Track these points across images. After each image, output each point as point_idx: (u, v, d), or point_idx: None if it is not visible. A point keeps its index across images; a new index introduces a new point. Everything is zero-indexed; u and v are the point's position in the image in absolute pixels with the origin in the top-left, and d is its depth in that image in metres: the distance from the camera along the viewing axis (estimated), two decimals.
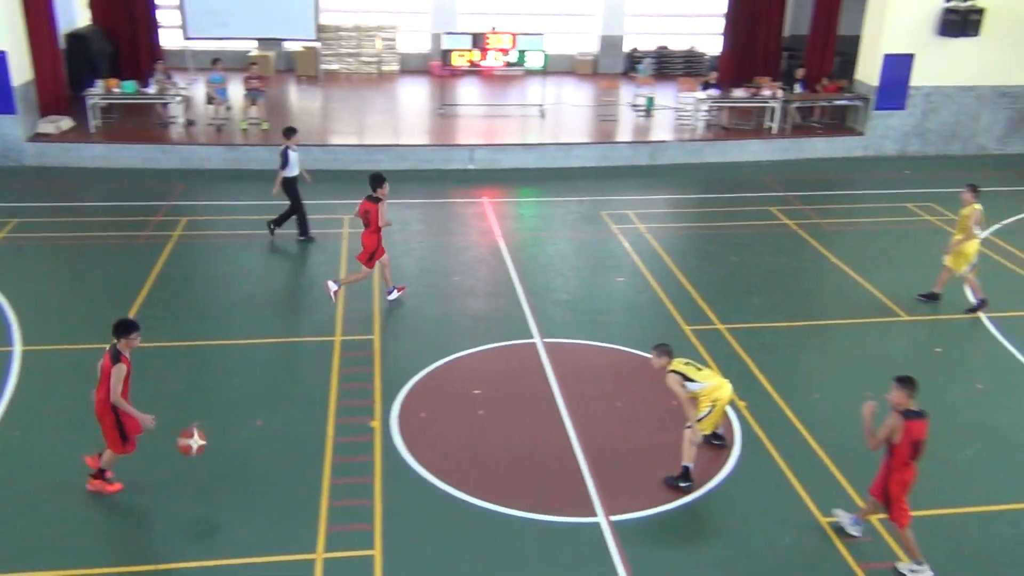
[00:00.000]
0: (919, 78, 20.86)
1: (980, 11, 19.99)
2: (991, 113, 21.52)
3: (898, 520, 8.02)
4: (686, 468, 9.07)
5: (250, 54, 25.17)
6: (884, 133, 21.29)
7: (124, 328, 8.28)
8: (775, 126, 21.16)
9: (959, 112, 21.39)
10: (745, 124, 21.63)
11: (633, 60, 27.19)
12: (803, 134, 21.25)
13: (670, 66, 27.44)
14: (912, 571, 8.11)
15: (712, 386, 8.92)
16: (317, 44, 25.27)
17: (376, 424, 10.05)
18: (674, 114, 22.24)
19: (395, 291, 13.03)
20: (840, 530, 8.52)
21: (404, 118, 22.69)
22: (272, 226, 15.17)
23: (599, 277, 14.30)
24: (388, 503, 8.79)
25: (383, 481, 9.11)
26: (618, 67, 27.56)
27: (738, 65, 24.49)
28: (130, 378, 8.34)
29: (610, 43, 27.44)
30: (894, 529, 8.19)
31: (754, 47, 24.66)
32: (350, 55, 26.43)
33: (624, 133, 21.07)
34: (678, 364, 8.98)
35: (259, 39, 25.40)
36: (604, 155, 19.97)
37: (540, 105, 22.49)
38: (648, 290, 13.72)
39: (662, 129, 21.34)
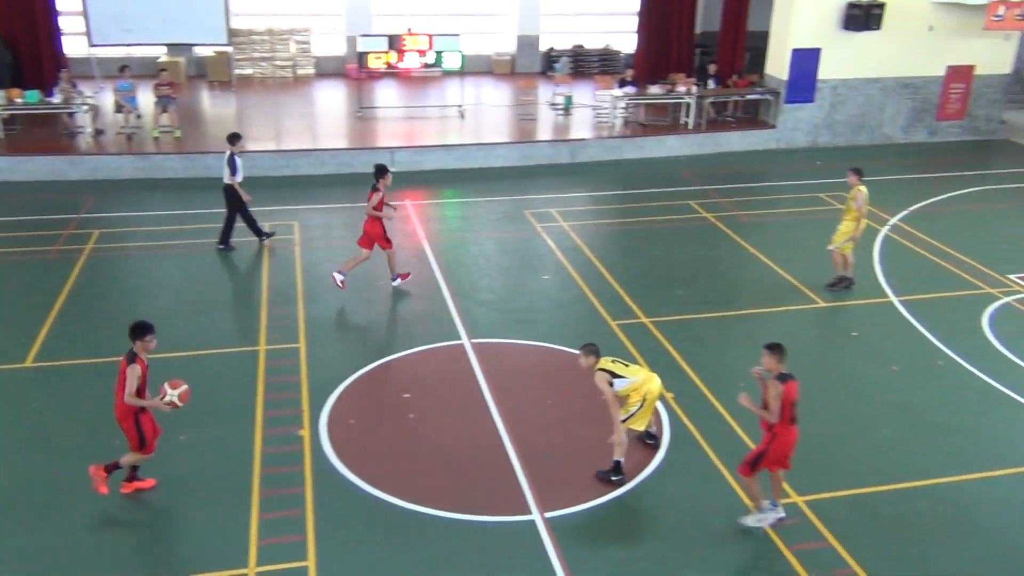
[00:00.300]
0: (826, 71, 21.50)
1: (881, 5, 20.70)
2: (895, 104, 22.30)
3: (749, 472, 8.35)
4: (617, 462, 9.16)
5: (159, 60, 24.50)
6: (795, 126, 21.88)
7: (140, 330, 8.41)
8: (690, 122, 21.55)
9: (865, 104, 22.11)
10: (661, 120, 21.97)
11: (550, 59, 27.37)
12: (718, 129, 21.70)
13: (586, 64, 27.70)
14: (759, 520, 8.44)
15: (640, 380, 9.03)
16: (229, 49, 24.75)
17: (305, 433, 9.89)
18: (592, 112, 22.47)
19: (398, 279, 13.51)
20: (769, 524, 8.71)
21: (322, 122, 22.40)
22: (261, 237, 15.09)
23: (525, 276, 14.35)
24: (320, 512, 8.67)
25: (314, 490, 8.97)
26: (535, 66, 27.71)
27: (653, 62, 24.87)
28: (146, 381, 8.42)
29: (527, 43, 27.57)
30: (741, 479, 8.67)
31: (667, 44, 25.07)
32: (264, 59, 25.96)
33: (544, 132, 21.19)
34: (606, 362, 9.06)
35: (168, 44, 24.76)
36: (525, 154, 20.05)
37: (459, 106, 22.47)
38: (573, 287, 13.83)
39: (581, 127, 21.54)
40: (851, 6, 20.72)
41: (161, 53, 25.22)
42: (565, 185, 18.88)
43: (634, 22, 25.81)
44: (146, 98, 20.87)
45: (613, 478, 9.15)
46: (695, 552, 8.36)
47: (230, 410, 10.28)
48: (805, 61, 21.30)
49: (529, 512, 8.75)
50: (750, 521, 8.56)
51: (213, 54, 25.13)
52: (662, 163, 20.47)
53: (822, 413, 10.62)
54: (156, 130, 19.76)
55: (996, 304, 13.49)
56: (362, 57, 21.48)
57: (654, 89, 21.79)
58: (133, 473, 8.88)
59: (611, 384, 8.95)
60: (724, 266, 14.84)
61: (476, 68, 26.73)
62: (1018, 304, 13.53)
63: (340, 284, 13.16)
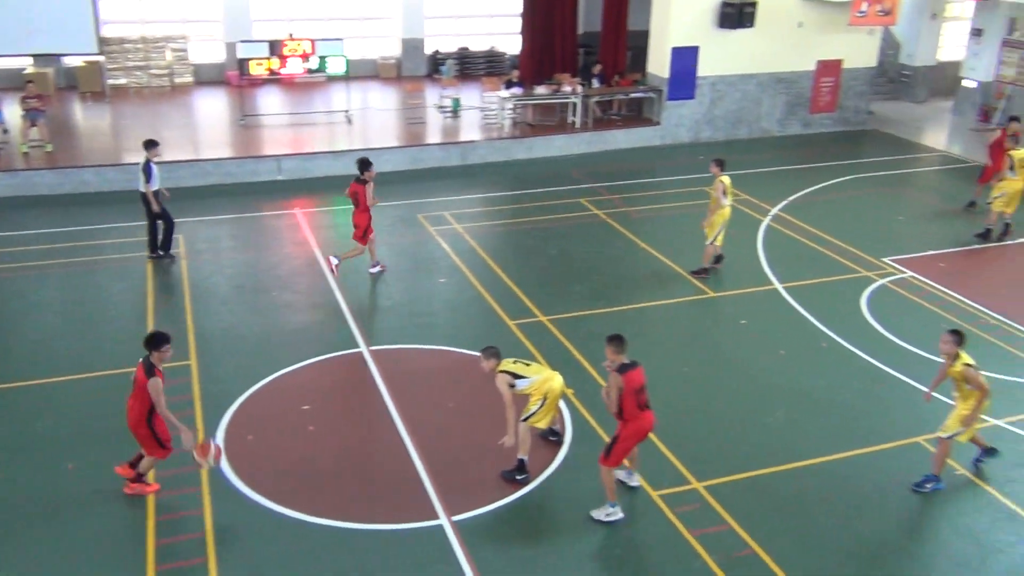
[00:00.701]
0: (705, 69, 22.16)
1: (753, 4, 21.47)
2: (770, 98, 23.16)
3: (611, 462, 8.55)
4: (521, 461, 9.21)
5: (25, 72, 23.30)
6: (678, 122, 22.47)
7: (156, 341, 8.40)
8: (577, 121, 21.86)
9: (742, 99, 22.89)
10: (549, 120, 22.22)
11: (436, 62, 27.32)
12: (604, 127, 22.09)
13: (472, 67, 27.77)
14: (608, 515, 8.67)
15: (542, 379, 9.09)
16: (100, 58, 23.76)
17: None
18: (480, 114, 22.53)
19: (378, 266, 14.18)
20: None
21: (204, 131, 21.76)
22: (161, 253, 14.65)
23: (421, 280, 14.28)
24: (221, 534, 8.42)
25: (213, 511, 8.71)
26: (421, 70, 27.61)
27: (538, 63, 25.13)
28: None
29: (412, 46, 27.45)
30: (597, 470, 8.80)
31: (551, 45, 25.38)
32: (138, 68, 25.02)
33: (433, 135, 21.14)
34: (507, 364, 9.10)
35: (34, 55, 23.59)
36: (415, 158, 19.96)
37: (346, 111, 22.18)
38: (470, 289, 13.84)
39: (470, 129, 21.57)
40: (725, 5, 21.41)
41: (27, 64, 24.01)
42: (457, 187, 18.88)
43: (518, 24, 26.02)
44: (13, 112, 19.85)
45: (518, 477, 9.20)
46: (600, 545, 8.48)
47: (120, 434, 9.84)
48: (685, 59, 21.91)
49: (437, 517, 8.71)
50: (598, 515, 8.70)
51: (83, 64, 24.08)
52: (552, 162, 20.71)
53: (716, 400, 10.95)
54: (25, 145, 18.81)
55: (872, 286, 14.17)
56: (243, 64, 20.97)
57: (540, 90, 22.02)
58: (140, 475, 8.96)
59: (512, 385, 8.99)
60: (617, 261, 15.11)
61: (361, 72, 26.45)
62: (892, 285, 14.25)
63: (333, 269, 13.86)
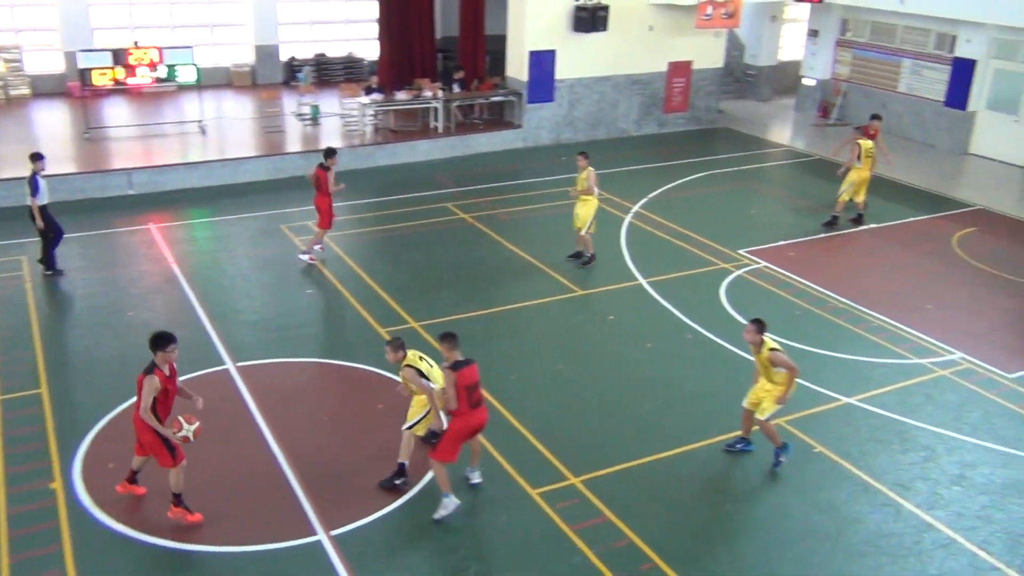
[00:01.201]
0: (562, 71, 22.58)
1: (605, 8, 22.01)
2: (627, 100, 23.82)
3: (440, 456, 8.64)
4: (402, 465, 9.12)
5: None
6: (539, 124, 22.80)
7: (161, 341, 8.24)
8: (440, 125, 21.85)
9: (600, 100, 23.45)
10: (412, 125, 22.12)
11: (292, 69, 26.74)
12: (466, 131, 22.17)
13: (330, 73, 27.33)
14: (444, 509, 8.75)
15: (438, 389, 8.90)
16: None
17: (56, 485, 9.05)
18: (341, 120, 22.20)
19: (308, 255, 14.85)
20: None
21: (46, 146, 20.46)
22: (44, 269, 14.06)
23: (287, 292, 13.93)
24: (83, 569, 7.96)
25: (74, 546, 8.23)
26: (277, 77, 26.97)
27: (397, 68, 24.93)
28: (172, 396, 8.30)
29: (266, 52, 26.77)
30: (429, 462, 8.87)
31: (410, 50, 25.23)
32: None
33: (293, 143, 20.67)
34: (414, 359, 8.98)
35: None
36: (275, 167, 19.47)
37: (199, 121, 21.42)
38: (339, 298, 13.60)
39: (331, 136, 21.21)
40: (579, 9, 21.88)
41: None
42: None
43: (375, 29, 25.79)
44: None
45: (396, 482, 9.10)
46: (486, 546, 8.49)
47: None
48: (543, 62, 22.26)
49: (315, 533, 8.52)
50: (437, 515, 8.74)
51: None
52: (416, 168, 20.61)
53: (589, 395, 11.16)
54: None
55: (729, 278, 14.77)
56: (85, 74, 19.93)
57: (401, 95, 21.89)
58: (133, 475, 8.86)
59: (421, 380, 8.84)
60: (486, 264, 15.18)
61: (214, 81, 25.60)
62: (748, 275, 14.89)
63: (310, 260, 14.74)
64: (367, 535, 8.54)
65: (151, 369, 8.18)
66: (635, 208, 18.11)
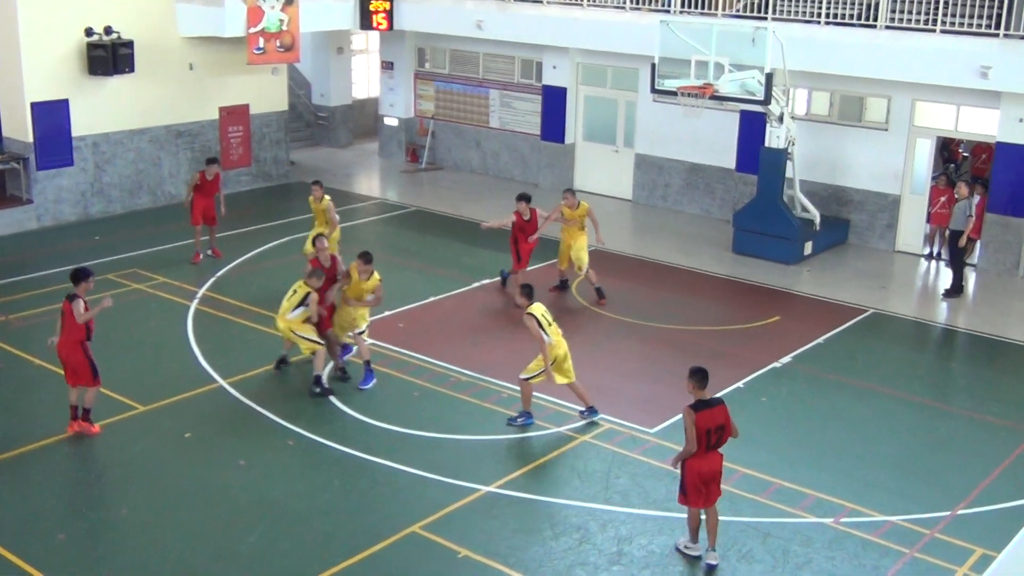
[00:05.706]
0: (81, 127, 21.57)
1: (129, 44, 21.44)
2: (171, 156, 23.33)
3: (685, 502, 10.37)
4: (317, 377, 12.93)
5: None
6: (57, 196, 21.49)
7: (82, 274, 12.38)
8: None
9: (137, 160, 22.71)
10: None
11: None
12: None
13: None
14: None
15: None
16: None
17: None
18: None
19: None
20: None
21: None
22: None
23: None
24: None
25: None
26: None
27: None
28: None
29: None
30: None
31: None
32: None
33: None
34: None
35: None
36: None
37: None
38: None
39: None
40: (92, 47, 21.09)
41: None
42: None
43: None
44: None
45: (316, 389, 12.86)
46: None
47: None
48: (52, 116, 21.10)
49: None
50: None
51: None
52: None
53: (178, 541, 10.60)
54: None
55: (331, 365, 14.90)
56: None
57: None
58: (86, 413, 12.44)
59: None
60: (3, 391, 13.91)
61: None
62: (354, 359, 15.12)
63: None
64: None
65: (74, 299, 12.02)
66: (201, 291, 17.72)
